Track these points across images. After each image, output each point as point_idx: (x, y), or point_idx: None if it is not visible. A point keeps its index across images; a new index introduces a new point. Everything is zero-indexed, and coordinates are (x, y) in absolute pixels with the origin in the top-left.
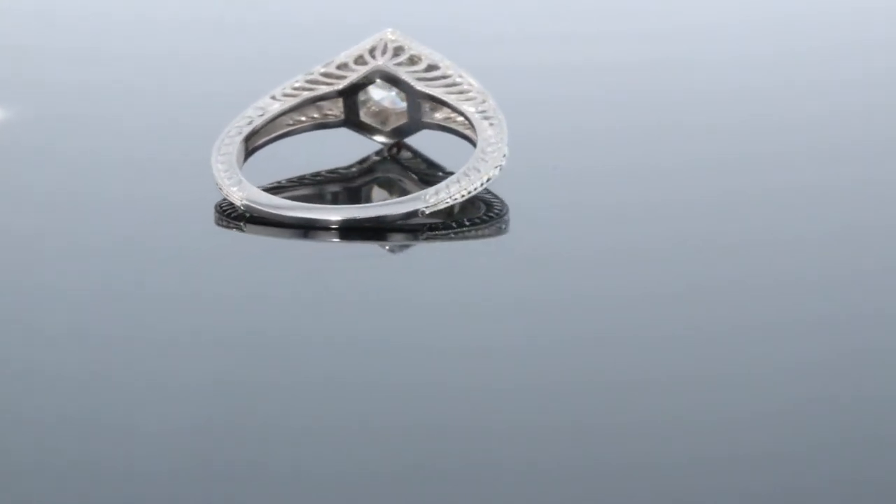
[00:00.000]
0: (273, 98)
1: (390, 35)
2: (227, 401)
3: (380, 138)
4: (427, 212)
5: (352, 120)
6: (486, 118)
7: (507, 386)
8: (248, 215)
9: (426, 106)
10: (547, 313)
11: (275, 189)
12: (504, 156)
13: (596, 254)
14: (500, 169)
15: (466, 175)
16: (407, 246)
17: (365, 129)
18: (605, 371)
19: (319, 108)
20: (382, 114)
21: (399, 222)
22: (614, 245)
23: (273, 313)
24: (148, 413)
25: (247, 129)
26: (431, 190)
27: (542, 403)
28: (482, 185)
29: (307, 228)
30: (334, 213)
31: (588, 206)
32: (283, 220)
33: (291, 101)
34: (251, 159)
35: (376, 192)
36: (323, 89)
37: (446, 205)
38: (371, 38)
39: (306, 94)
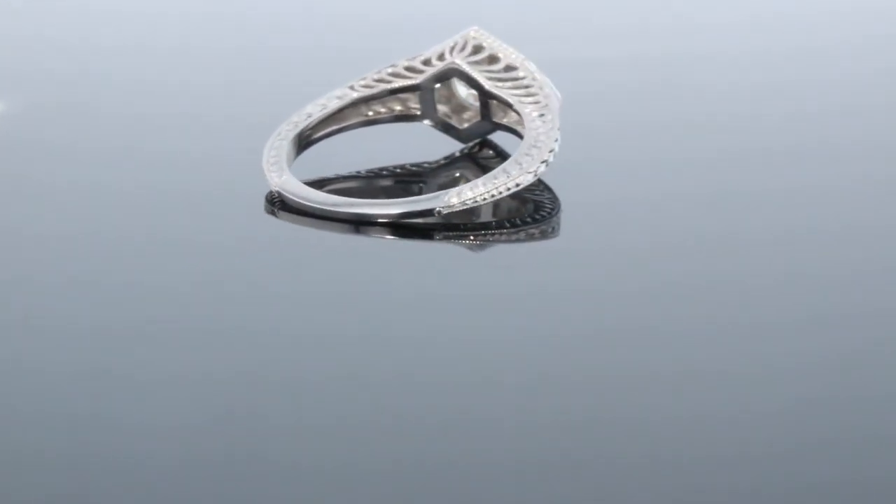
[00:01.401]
0: (351, 88)
1: (473, 33)
2: (266, 392)
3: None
4: (444, 212)
5: (429, 115)
6: (539, 121)
7: (559, 381)
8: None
9: (495, 106)
10: (597, 311)
11: (338, 179)
12: (544, 162)
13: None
14: (535, 175)
15: (494, 178)
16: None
17: (441, 125)
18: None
19: (403, 101)
20: (460, 111)
21: (449, 221)
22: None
23: (298, 305)
24: (187, 402)
25: (307, 120)
26: (454, 190)
27: (599, 399)
28: (509, 189)
29: (329, 220)
30: (353, 208)
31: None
32: (308, 209)
33: (366, 92)
34: (324, 147)
35: (429, 189)
36: (400, 83)
37: (465, 206)
38: (457, 35)
39: (382, 87)
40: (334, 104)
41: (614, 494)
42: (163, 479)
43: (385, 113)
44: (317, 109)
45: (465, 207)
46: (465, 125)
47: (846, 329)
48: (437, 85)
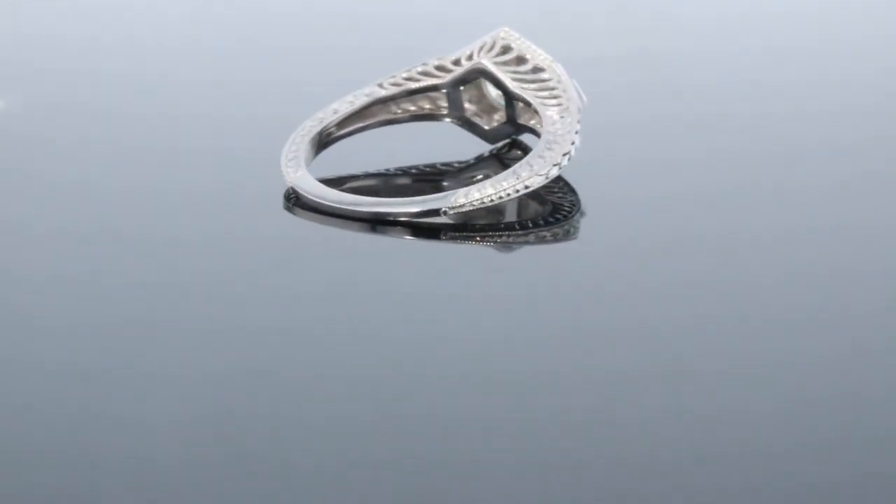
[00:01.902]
0: (380, 86)
1: (502, 34)
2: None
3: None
4: (451, 212)
5: (456, 115)
6: (559, 124)
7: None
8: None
9: (521, 107)
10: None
11: (361, 177)
12: (556, 165)
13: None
14: (546, 178)
15: (503, 180)
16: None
17: (468, 126)
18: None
19: (433, 100)
20: (490, 111)
21: (472, 221)
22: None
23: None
24: (197, 399)
25: (332, 117)
26: (462, 191)
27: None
28: (517, 191)
29: (340, 217)
30: (362, 206)
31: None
32: (319, 206)
33: (394, 91)
34: (351, 144)
35: (448, 188)
36: (428, 82)
37: (472, 208)
38: (487, 35)
39: (410, 85)
40: (362, 101)
41: (638, 494)
42: (187, 476)
43: (414, 111)
44: (344, 106)
45: (472, 208)
46: (491, 126)
47: (884, 328)
48: (464, 85)
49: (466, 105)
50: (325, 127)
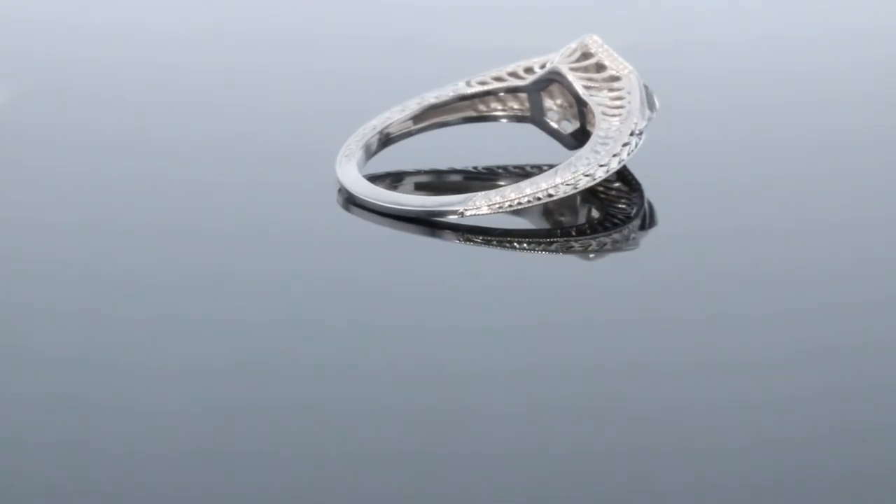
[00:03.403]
0: (467, 83)
1: (587, 40)
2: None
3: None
4: (468, 214)
5: (536, 118)
6: (609, 135)
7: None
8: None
9: (590, 114)
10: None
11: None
12: (588, 176)
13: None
14: (573, 188)
15: (525, 187)
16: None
17: (547, 129)
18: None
19: (522, 101)
20: (560, 116)
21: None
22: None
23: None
24: (230, 388)
25: (399, 114)
26: (482, 194)
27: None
28: (539, 199)
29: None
30: (386, 202)
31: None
32: (354, 199)
33: (479, 89)
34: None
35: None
36: (512, 83)
37: (488, 212)
38: (574, 41)
39: (494, 85)
40: (447, 96)
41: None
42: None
43: (501, 110)
44: (423, 102)
45: (491, 212)
46: (568, 132)
47: None
48: (545, 89)
49: (551, 109)
50: (392, 123)
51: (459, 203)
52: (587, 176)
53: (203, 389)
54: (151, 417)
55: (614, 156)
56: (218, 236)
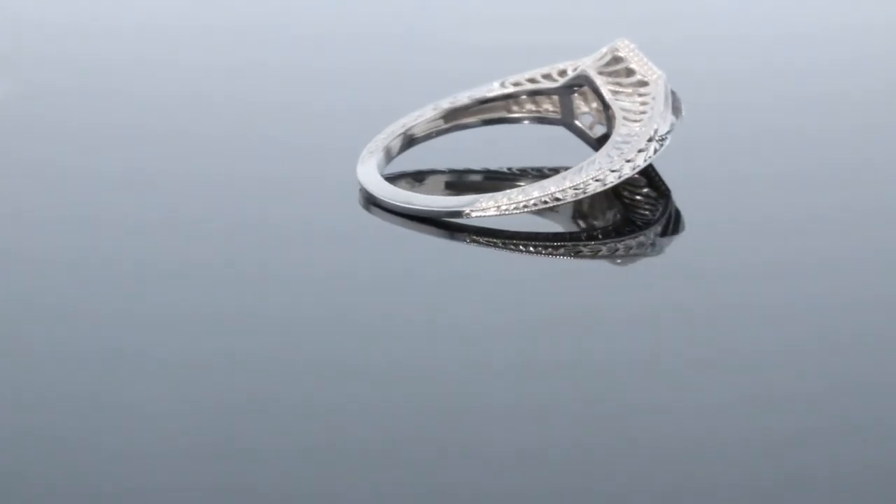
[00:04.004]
0: (501, 84)
1: (619, 44)
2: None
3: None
4: (473, 215)
5: (566, 120)
6: (623, 142)
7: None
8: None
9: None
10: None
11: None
12: (598, 181)
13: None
14: (582, 192)
15: (529, 191)
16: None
17: (576, 132)
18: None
19: (555, 103)
20: (594, 119)
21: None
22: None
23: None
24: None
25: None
26: (488, 195)
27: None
28: (545, 203)
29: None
30: (397, 200)
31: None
32: (372, 199)
33: (512, 90)
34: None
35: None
36: (544, 85)
37: (493, 214)
38: (607, 45)
39: (528, 87)
40: (480, 95)
41: None
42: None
43: (533, 112)
44: (456, 102)
45: (498, 215)
46: (596, 135)
47: None
48: (575, 92)
49: (586, 113)
50: (416, 124)
51: (466, 204)
52: (597, 181)
53: (214, 386)
54: (170, 414)
55: (627, 161)
56: (238, 233)
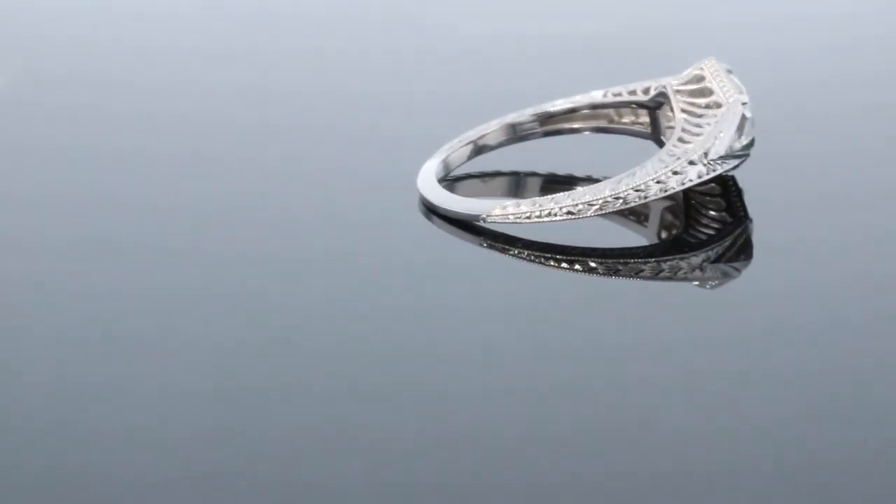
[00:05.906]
0: (604, 94)
1: (705, 63)
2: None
3: None
4: (487, 220)
5: (655, 134)
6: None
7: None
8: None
9: None
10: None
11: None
12: (619, 199)
13: None
14: (599, 209)
15: (541, 202)
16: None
17: (659, 145)
18: None
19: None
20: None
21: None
22: None
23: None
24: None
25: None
26: (512, 201)
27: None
28: (555, 214)
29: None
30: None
31: None
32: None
33: (605, 100)
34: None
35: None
36: (635, 98)
37: (509, 221)
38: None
39: (623, 98)
40: (578, 102)
41: None
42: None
43: (631, 124)
44: (555, 106)
45: (506, 221)
46: None
47: None
48: (660, 107)
49: (667, 126)
50: (515, 123)
51: (485, 209)
52: (618, 199)
53: (250, 372)
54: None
55: (657, 183)
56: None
